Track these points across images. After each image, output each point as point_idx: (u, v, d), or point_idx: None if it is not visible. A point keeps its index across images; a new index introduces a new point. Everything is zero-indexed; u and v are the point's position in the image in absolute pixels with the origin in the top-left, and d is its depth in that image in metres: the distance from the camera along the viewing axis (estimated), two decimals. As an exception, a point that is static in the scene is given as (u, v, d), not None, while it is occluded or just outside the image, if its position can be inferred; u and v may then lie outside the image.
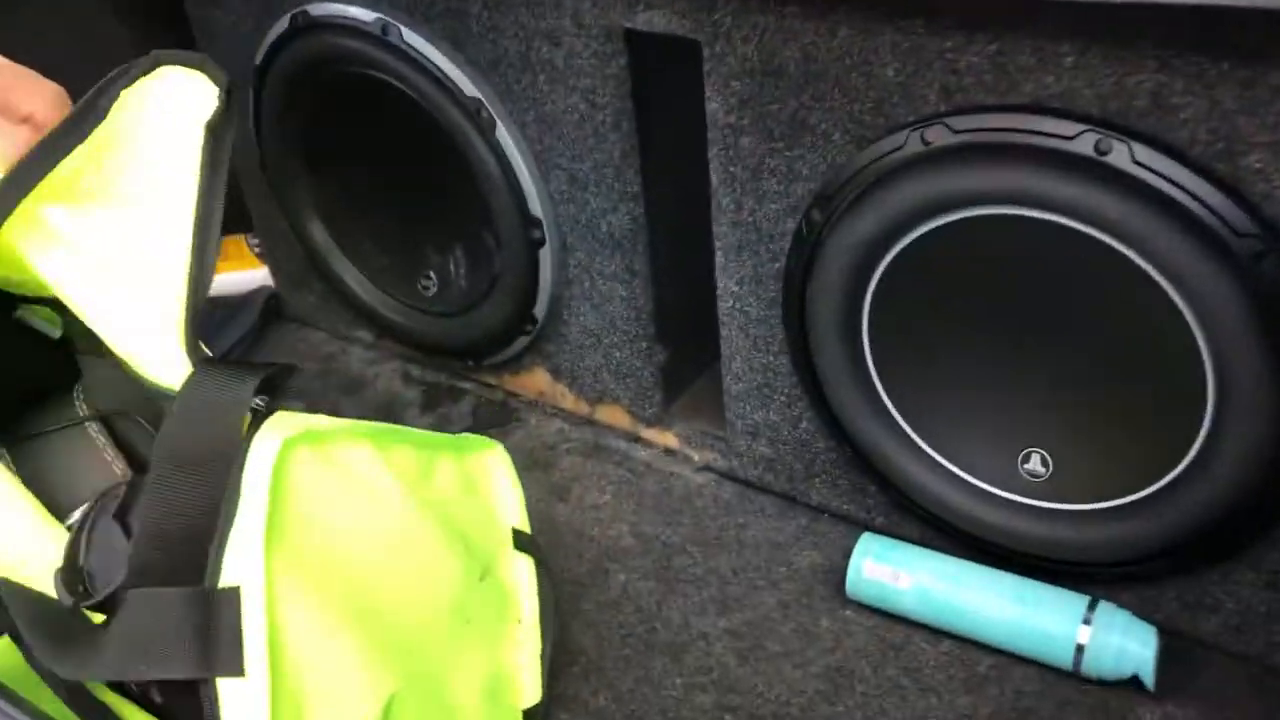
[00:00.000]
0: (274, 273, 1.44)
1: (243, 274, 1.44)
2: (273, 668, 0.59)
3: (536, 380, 1.25)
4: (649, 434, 1.19)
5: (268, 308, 1.44)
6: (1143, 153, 0.74)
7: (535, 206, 1.07)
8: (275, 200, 1.29)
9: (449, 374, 1.34)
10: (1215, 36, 0.68)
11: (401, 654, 0.69)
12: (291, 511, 0.64)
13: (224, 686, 0.58)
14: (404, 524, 0.74)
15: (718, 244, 0.99)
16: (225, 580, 0.59)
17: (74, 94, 1.17)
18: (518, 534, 0.88)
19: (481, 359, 1.27)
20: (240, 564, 0.59)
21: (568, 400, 1.23)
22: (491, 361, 1.26)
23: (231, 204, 1.43)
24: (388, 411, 1.30)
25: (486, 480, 0.88)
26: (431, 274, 1.23)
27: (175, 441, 0.63)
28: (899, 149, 0.83)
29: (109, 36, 1.29)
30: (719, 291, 1.02)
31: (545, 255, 1.09)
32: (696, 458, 1.16)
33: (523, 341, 1.20)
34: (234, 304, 1.42)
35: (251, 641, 0.59)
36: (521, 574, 0.88)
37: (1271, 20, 0.64)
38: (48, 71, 1.05)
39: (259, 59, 1.18)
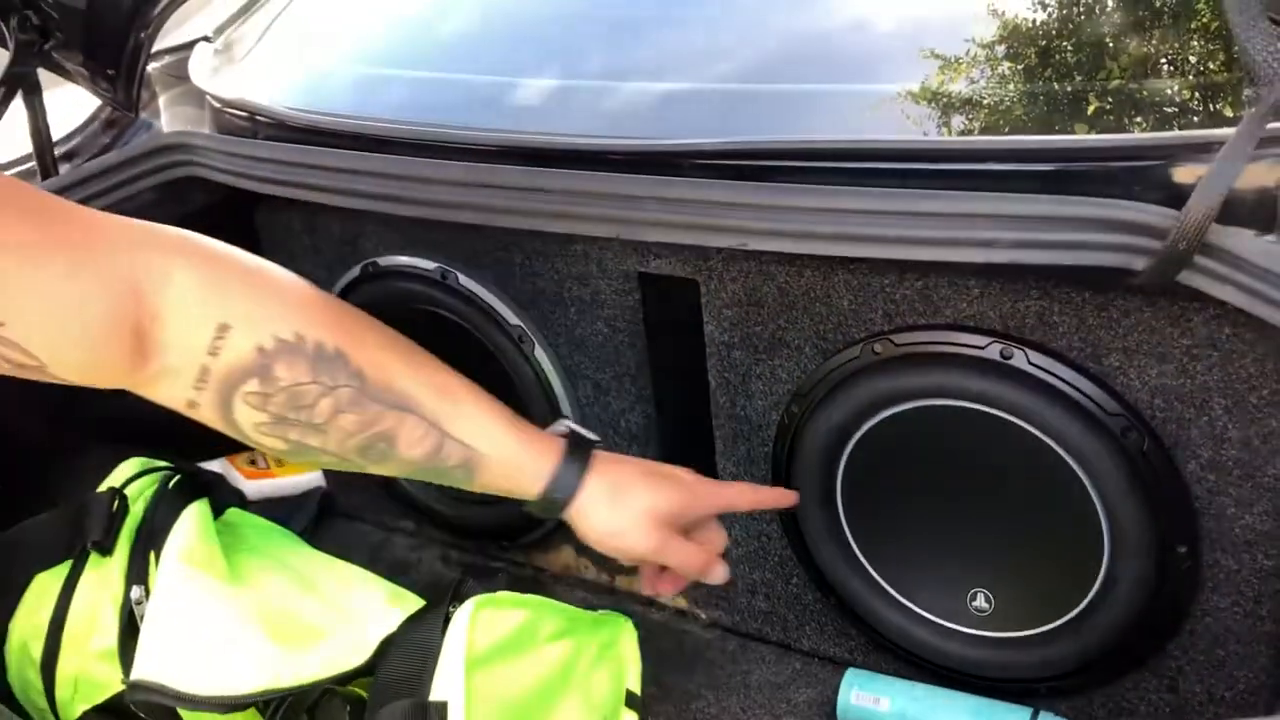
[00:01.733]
0: (326, 475, 1.67)
1: (300, 477, 1.66)
2: None
3: (563, 556, 1.47)
4: (663, 598, 1.40)
5: (322, 505, 1.65)
6: (1035, 356, 1.00)
7: (566, 409, 1.31)
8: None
9: (483, 555, 1.55)
10: (1078, 274, 0.95)
11: None
12: (479, 651, 0.88)
13: None
14: (548, 670, 0.97)
15: (717, 434, 1.24)
16: (435, 696, 0.82)
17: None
18: (629, 694, 1.10)
19: (514, 540, 1.49)
20: (447, 684, 0.82)
21: (590, 572, 1.45)
22: (522, 542, 1.48)
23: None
24: (432, 591, 1.51)
25: (617, 648, 1.12)
26: (472, 469, 1.46)
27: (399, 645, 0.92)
28: (855, 358, 1.09)
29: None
30: (719, 472, 1.26)
31: (574, 450, 1.33)
32: (704, 615, 1.38)
33: (551, 523, 1.42)
34: (292, 502, 1.64)
35: None
36: None
37: (1108, 270, 0.90)
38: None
39: (331, 298, 1.44)
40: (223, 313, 0.82)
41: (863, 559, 1.18)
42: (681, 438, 1.30)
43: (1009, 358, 1.01)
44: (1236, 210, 0.84)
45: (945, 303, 1.03)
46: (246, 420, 0.85)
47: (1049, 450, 1.02)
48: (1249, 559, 0.99)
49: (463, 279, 1.31)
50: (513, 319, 1.30)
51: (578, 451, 0.95)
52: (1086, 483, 1.01)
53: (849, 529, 1.18)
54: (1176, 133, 0.88)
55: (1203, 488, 0.98)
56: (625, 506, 0.95)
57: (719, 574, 1.00)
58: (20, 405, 1.09)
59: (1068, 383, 1.00)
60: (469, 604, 0.93)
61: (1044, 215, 0.83)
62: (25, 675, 1.05)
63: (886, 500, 1.15)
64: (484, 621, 0.94)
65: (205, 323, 0.81)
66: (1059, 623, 1.09)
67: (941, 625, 1.16)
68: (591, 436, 0.99)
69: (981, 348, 1.02)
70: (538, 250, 1.23)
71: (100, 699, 1.06)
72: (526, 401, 1.33)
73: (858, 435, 1.12)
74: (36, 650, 1.04)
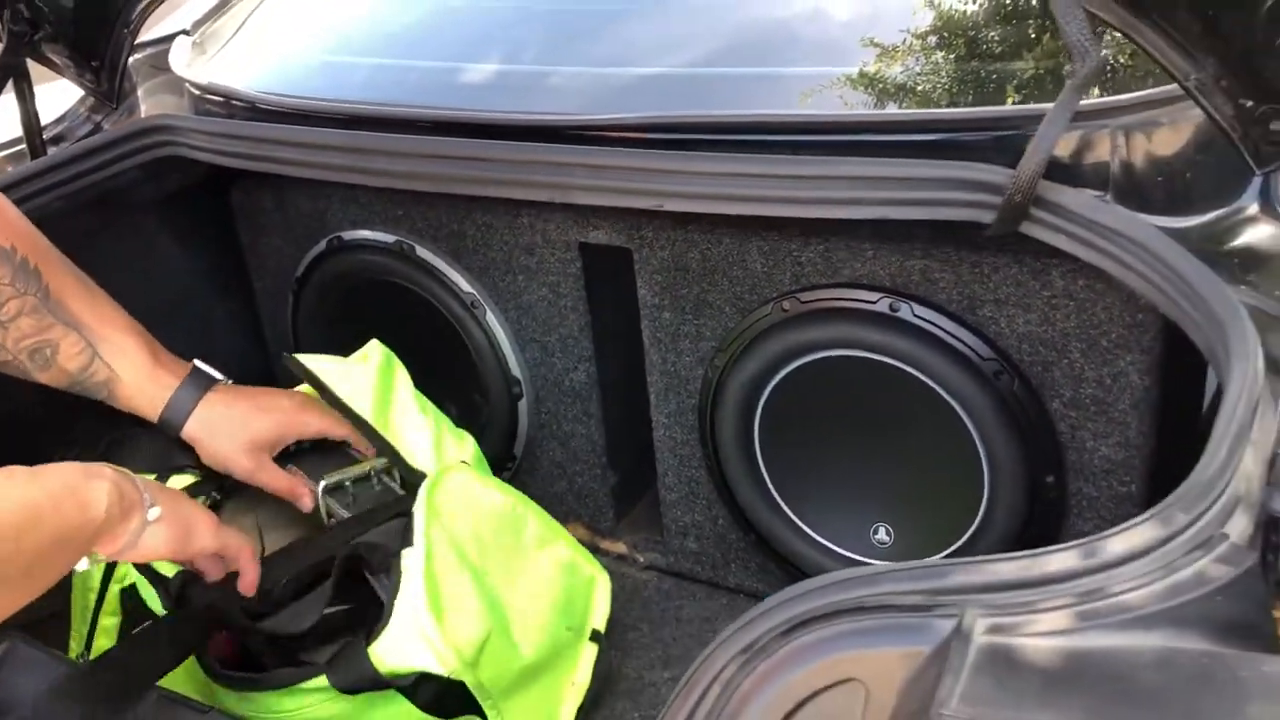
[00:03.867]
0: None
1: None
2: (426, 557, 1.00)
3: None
4: (605, 544, 1.53)
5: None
6: (919, 309, 1.14)
7: (515, 370, 1.44)
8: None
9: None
10: (955, 237, 1.09)
11: (503, 626, 1.08)
12: (445, 491, 1.08)
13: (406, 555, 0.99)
14: (522, 555, 1.14)
15: (651, 390, 1.37)
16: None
17: (128, 303, 1.47)
18: (595, 631, 1.24)
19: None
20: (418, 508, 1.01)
21: (540, 522, 1.57)
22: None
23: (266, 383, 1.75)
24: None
25: (590, 587, 1.28)
26: (431, 429, 1.59)
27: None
28: (767, 315, 1.22)
29: (169, 257, 1.64)
30: (653, 424, 1.39)
31: (523, 406, 1.46)
32: (642, 559, 1.51)
33: (504, 476, 1.55)
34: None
35: (419, 535, 1.00)
36: (589, 657, 1.24)
37: (979, 228, 1.04)
38: (122, 289, 1.33)
39: (299, 272, 1.57)
40: None
41: (778, 498, 1.31)
42: (620, 392, 1.44)
43: (896, 310, 1.15)
44: (1080, 175, 0.98)
45: (843, 264, 1.17)
46: None
47: (934, 393, 1.16)
48: (1106, 486, 1.13)
49: (420, 250, 1.43)
50: (466, 287, 1.43)
51: (193, 385, 1.13)
52: (966, 421, 1.15)
53: (766, 471, 1.31)
54: (1017, 107, 1.02)
55: (1066, 423, 1.12)
56: (228, 436, 1.13)
57: (306, 502, 1.16)
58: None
59: (947, 332, 1.13)
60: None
61: (904, 176, 0.97)
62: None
63: (798, 443, 1.29)
64: (453, 480, 1.11)
65: None
66: (948, 550, 1.22)
67: (848, 557, 1.30)
68: (216, 375, 1.16)
69: (873, 302, 1.16)
70: (488, 223, 1.36)
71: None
72: (479, 362, 1.46)
73: (771, 385, 1.26)
74: None
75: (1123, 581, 0.62)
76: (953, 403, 1.15)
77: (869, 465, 1.26)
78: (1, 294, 1.05)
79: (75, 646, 1.13)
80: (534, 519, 1.21)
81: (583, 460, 1.48)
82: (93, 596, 1.10)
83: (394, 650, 0.97)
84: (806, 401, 1.25)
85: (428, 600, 0.97)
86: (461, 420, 1.55)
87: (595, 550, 1.54)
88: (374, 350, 1.24)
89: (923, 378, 1.16)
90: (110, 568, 1.10)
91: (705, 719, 0.68)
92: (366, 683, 0.98)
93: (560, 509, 1.54)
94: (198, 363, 1.17)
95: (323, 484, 1.16)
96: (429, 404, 1.27)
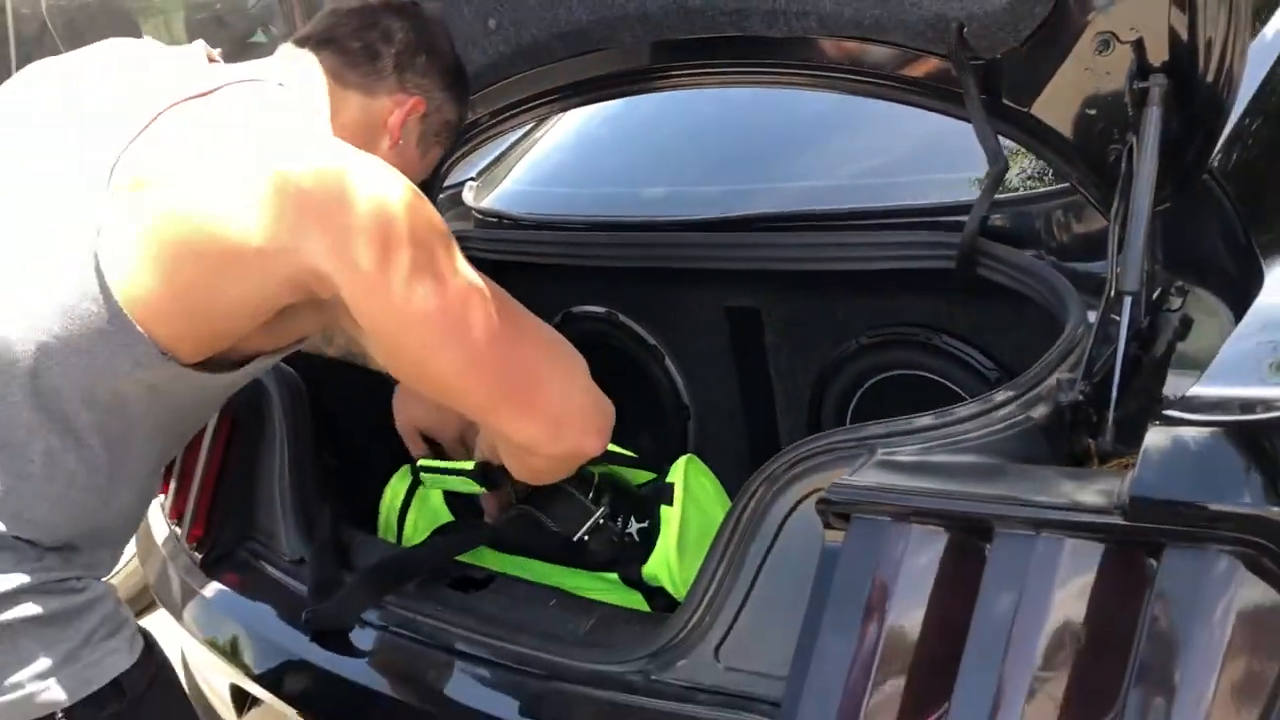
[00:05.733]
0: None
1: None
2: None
3: (688, 507, 2.17)
4: (752, 530, 2.09)
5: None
6: (947, 339, 1.68)
7: (686, 399, 2.05)
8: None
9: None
10: (966, 290, 1.63)
11: None
12: (691, 474, 1.63)
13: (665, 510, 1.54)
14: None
15: (778, 410, 1.94)
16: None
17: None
18: None
19: (657, 499, 2.20)
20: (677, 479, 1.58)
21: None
22: (663, 500, 2.19)
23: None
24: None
25: None
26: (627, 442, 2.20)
27: None
28: (850, 347, 1.79)
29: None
30: (779, 437, 1.95)
31: (690, 426, 2.06)
32: (778, 540, 2.05)
33: (680, 481, 2.14)
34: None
35: (678, 500, 1.56)
36: None
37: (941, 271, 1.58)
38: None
39: (542, 336, 2.24)
40: None
41: (865, 481, 1.85)
42: (758, 413, 2.01)
43: (931, 339, 1.70)
44: (1026, 237, 1.53)
45: (898, 309, 1.73)
46: None
47: (958, 395, 1.68)
48: (1081, 457, 1.61)
49: (622, 317, 2.08)
50: (652, 340, 2.06)
51: None
52: (983, 415, 1.67)
53: (856, 462, 1.85)
54: (969, 198, 1.57)
55: (1049, 413, 1.62)
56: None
57: None
58: (349, 398, 1.86)
59: (964, 352, 1.67)
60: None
61: (900, 240, 1.54)
62: (389, 520, 1.79)
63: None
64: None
65: None
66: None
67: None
68: None
69: (916, 334, 1.71)
70: (664, 292, 2.00)
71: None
72: (661, 395, 2.07)
73: (856, 397, 1.81)
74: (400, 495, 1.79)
75: (960, 430, 1.16)
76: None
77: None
78: None
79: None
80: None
81: (735, 466, 2.05)
82: (399, 503, 1.74)
83: (651, 570, 1.53)
84: (884, 408, 1.78)
85: (675, 543, 1.52)
86: (649, 438, 2.18)
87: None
88: None
89: (953, 387, 1.69)
90: (414, 486, 1.74)
91: (748, 518, 1.24)
92: (634, 585, 1.55)
93: (719, 503, 2.11)
94: None
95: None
96: None
